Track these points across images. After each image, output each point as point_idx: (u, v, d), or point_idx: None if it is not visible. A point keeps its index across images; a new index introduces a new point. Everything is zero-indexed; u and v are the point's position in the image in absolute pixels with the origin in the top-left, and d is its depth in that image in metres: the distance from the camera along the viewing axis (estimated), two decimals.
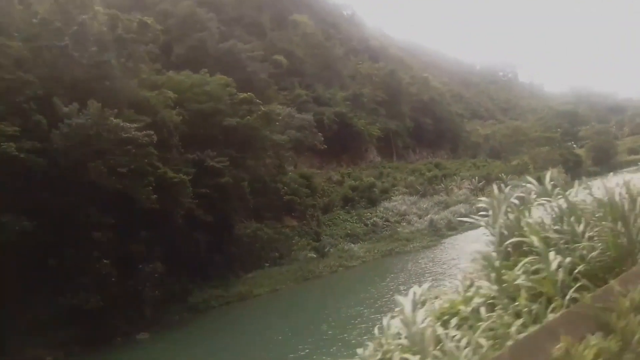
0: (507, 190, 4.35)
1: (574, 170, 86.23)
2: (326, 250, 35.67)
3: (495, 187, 4.69)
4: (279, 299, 28.09)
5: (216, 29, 48.05)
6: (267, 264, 33.33)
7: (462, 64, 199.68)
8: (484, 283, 3.51)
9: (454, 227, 43.52)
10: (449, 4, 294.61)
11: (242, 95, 34.49)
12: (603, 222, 3.51)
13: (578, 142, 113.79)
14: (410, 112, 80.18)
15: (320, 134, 46.18)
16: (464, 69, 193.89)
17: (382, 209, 45.56)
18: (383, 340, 3.31)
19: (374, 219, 43.06)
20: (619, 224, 3.42)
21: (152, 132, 25.62)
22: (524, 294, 3.03)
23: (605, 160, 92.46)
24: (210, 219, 29.91)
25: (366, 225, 42.62)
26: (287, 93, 53.88)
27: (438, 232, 41.22)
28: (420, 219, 43.91)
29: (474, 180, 60.81)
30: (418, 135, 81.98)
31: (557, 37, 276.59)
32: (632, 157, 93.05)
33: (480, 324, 2.91)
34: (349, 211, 45.78)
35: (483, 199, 4.84)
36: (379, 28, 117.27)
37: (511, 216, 4.04)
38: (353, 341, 14.95)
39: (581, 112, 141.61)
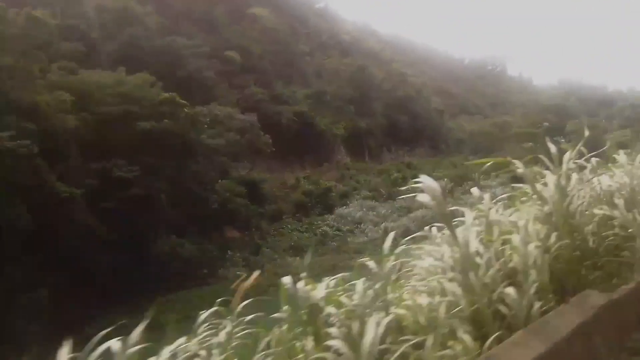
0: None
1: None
2: (260, 266, 32.15)
3: None
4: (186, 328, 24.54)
5: (155, 24, 44.34)
6: (193, 284, 29.86)
7: (453, 60, 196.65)
8: None
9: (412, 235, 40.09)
10: None
11: (164, 95, 30.85)
12: None
13: (567, 136, 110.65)
14: (384, 109, 76.72)
15: (267, 135, 42.60)
16: (454, 65, 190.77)
17: (334, 216, 42.07)
18: None
19: (324, 227, 39.56)
20: None
21: (28, 142, 22.06)
22: None
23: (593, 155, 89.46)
24: (116, 237, 26.45)
25: (315, 235, 39.12)
26: (239, 92, 50.25)
27: (392, 243, 37.73)
28: (376, 227, 40.43)
29: (443, 181, 57.26)
30: (393, 133, 78.51)
31: (546, 29, 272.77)
32: (621, 150, 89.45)
33: None
34: (300, 219, 42.29)
35: None
36: (358, 22, 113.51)
37: None
38: None
39: (570, 105, 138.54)
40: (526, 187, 4.13)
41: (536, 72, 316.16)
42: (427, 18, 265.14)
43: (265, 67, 56.06)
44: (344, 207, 44.18)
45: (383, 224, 40.12)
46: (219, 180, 34.54)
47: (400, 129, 79.26)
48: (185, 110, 31.38)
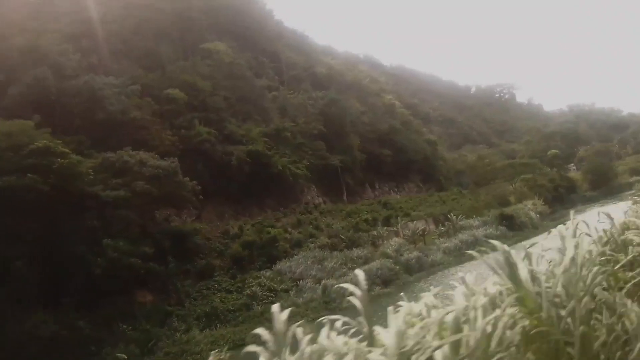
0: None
1: (565, 197, 76.09)
2: (151, 344, 26.44)
3: None
4: None
5: (74, 63, 40.16)
6: None
7: (457, 88, 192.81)
8: None
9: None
10: (445, 27, 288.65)
11: (33, 145, 26.04)
12: None
13: (579, 163, 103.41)
14: (364, 144, 71.44)
15: (194, 182, 37.36)
16: (459, 93, 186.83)
17: (271, 272, 36.24)
18: None
19: (254, 287, 33.68)
20: None
21: None
22: None
23: (603, 184, 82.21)
24: None
25: (244, 296, 33.24)
26: (178, 132, 45.51)
27: (328, 306, 31.67)
28: (318, 284, 34.41)
29: (412, 223, 51.11)
30: (376, 169, 72.96)
31: (556, 54, 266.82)
32: (635, 178, 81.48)
33: None
34: (234, 276, 36.54)
35: None
36: (346, 53, 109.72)
37: None
38: None
39: (581, 131, 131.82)
40: None
41: (546, 98, 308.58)
42: (432, 49, 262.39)
43: (218, 104, 51.48)
44: (288, 259, 38.31)
45: (324, 281, 34.07)
46: (105, 239, 29.05)
47: (384, 164, 73.72)
48: (61, 160, 26.35)
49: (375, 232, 46.82)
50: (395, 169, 75.59)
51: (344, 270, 36.83)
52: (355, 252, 41.22)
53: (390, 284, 36.20)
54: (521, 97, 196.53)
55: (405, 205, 62.32)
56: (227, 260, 38.40)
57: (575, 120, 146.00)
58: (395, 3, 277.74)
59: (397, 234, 48.58)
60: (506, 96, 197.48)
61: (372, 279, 35.64)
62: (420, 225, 56.81)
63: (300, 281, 34.87)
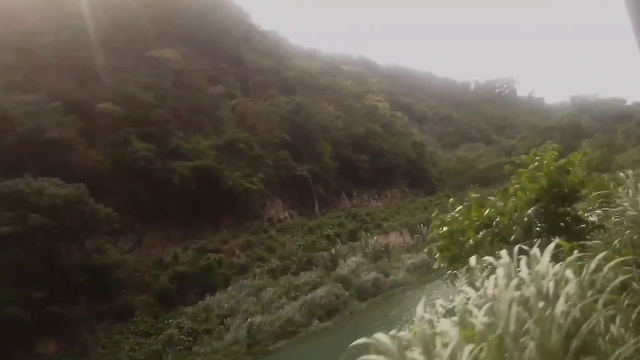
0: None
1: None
2: None
3: None
4: None
5: None
6: None
7: (455, 85, 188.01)
8: None
9: (292, 332, 29.42)
10: (442, 24, 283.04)
11: None
12: None
13: None
14: (339, 150, 66.86)
15: (109, 209, 33.00)
16: (456, 90, 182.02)
17: (193, 310, 31.72)
18: None
19: (171, 329, 29.19)
20: None
21: None
22: None
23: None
24: None
25: (159, 341, 28.76)
26: (111, 151, 41.37)
27: (252, 350, 27.11)
28: (249, 320, 29.84)
29: (382, 237, 46.44)
30: (353, 176, 68.28)
31: (556, 46, 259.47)
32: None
33: None
34: (158, 314, 32.14)
35: None
36: (327, 55, 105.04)
37: None
38: None
39: (584, 123, 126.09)
40: None
41: (548, 91, 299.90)
42: (430, 47, 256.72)
43: (163, 116, 47.24)
44: (221, 292, 33.78)
45: (251, 319, 29.47)
46: None
47: (361, 170, 69.06)
48: None
49: (334, 251, 42.13)
50: (375, 175, 70.81)
51: (283, 301, 32.30)
52: (304, 276, 36.63)
53: (334, 315, 31.65)
54: (522, 92, 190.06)
55: (379, 215, 57.54)
56: (155, 295, 34.02)
57: (577, 113, 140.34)
58: (392, 2, 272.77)
59: (364, 250, 43.91)
60: (506, 91, 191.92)
61: (313, 310, 31.22)
62: (393, 237, 52.18)
63: (228, 318, 30.35)
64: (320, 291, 32.97)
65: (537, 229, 5.76)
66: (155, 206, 43.55)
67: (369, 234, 49.24)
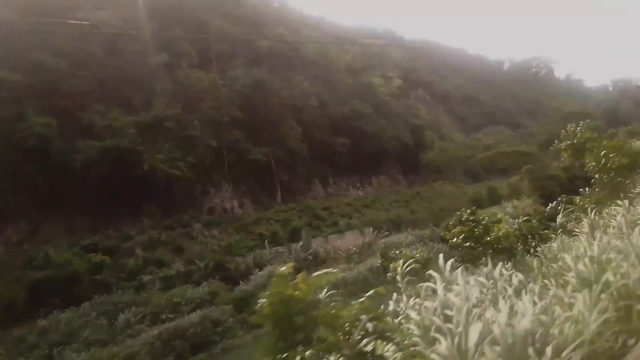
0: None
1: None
2: None
3: None
4: None
5: None
6: None
7: (487, 63, 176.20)
8: None
9: None
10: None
11: None
12: None
13: None
14: (314, 131, 59.12)
15: None
16: (488, 69, 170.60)
17: (22, 332, 25.22)
18: None
19: None
20: None
21: None
22: None
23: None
24: None
25: None
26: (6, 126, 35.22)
27: None
28: (82, 354, 23.21)
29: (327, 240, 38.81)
30: (330, 161, 60.52)
31: (599, 24, 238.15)
32: None
33: None
34: None
35: None
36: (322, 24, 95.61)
37: None
38: None
39: (623, 109, 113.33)
40: None
41: (588, 73, 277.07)
42: (463, 22, 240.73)
43: (78, 88, 40.76)
44: (72, 310, 27.21)
45: (85, 352, 22.83)
46: None
47: (339, 155, 61.16)
48: None
49: (252, 256, 34.86)
50: (357, 160, 62.75)
51: (141, 326, 25.47)
52: (191, 291, 29.58)
53: (201, 351, 24.55)
54: (561, 73, 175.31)
55: (341, 209, 49.73)
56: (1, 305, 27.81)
57: (617, 98, 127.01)
58: None
59: (292, 256, 36.46)
60: (542, 72, 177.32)
61: (172, 345, 24.19)
62: (349, 239, 44.45)
63: (60, 348, 23.76)
64: (194, 316, 25.88)
65: None
66: (57, 191, 37.45)
67: (317, 233, 41.92)
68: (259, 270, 33.00)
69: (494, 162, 68.06)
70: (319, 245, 38.77)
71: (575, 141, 26.46)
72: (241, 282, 31.56)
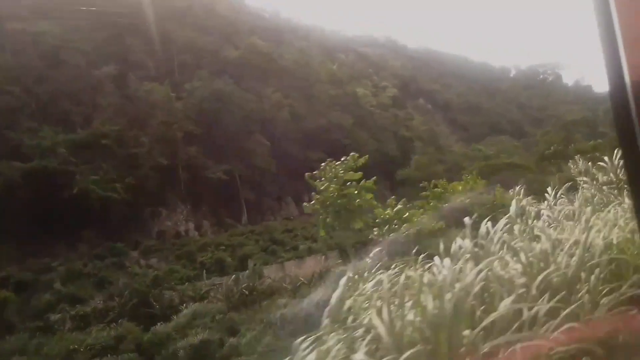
0: None
1: None
2: None
3: None
4: None
5: None
6: None
7: (491, 70, 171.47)
8: None
9: None
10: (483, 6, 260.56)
11: None
12: None
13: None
14: (286, 146, 55.15)
15: None
16: (493, 76, 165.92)
17: None
18: None
19: None
20: None
21: None
22: None
23: None
24: None
25: None
26: None
27: None
28: None
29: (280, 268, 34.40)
30: (304, 178, 56.24)
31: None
32: None
33: None
34: None
35: None
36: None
37: None
38: None
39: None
40: None
41: (598, 78, 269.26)
42: (468, 30, 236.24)
43: (10, 103, 37.36)
44: None
45: None
46: None
47: (313, 171, 56.76)
48: None
49: (180, 291, 30.69)
50: None
51: None
52: (98, 335, 25.38)
53: None
54: (570, 79, 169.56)
55: (307, 231, 45.33)
56: None
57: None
58: None
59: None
60: (550, 78, 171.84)
61: None
62: (310, 264, 40.09)
63: None
64: None
65: None
66: None
67: (272, 260, 37.63)
68: (184, 307, 28.77)
69: (486, 174, 63.17)
70: (268, 275, 34.42)
71: None
72: (160, 322, 27.40)
